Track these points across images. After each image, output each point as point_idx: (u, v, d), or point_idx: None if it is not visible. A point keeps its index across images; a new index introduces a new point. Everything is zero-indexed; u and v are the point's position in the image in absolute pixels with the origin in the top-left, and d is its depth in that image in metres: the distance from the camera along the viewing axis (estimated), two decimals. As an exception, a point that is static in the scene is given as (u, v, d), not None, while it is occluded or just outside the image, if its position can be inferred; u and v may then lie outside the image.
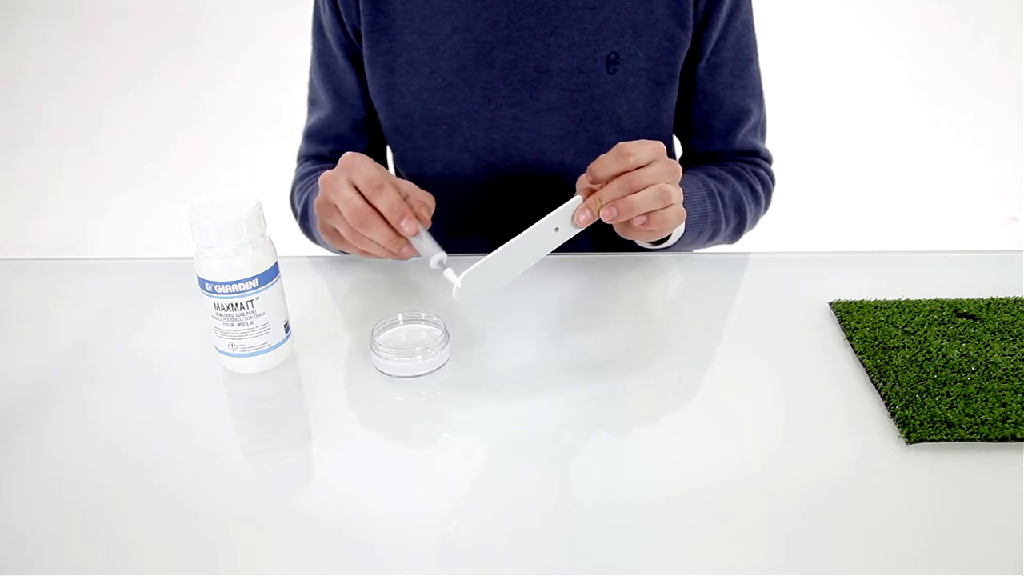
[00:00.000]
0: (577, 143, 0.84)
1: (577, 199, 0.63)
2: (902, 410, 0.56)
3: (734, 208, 0.84)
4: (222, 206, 0.59)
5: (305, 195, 0.86)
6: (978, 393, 0.57)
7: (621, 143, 0.63)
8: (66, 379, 0.64)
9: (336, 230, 0.68)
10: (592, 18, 0.78)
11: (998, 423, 0.54)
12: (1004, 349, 0.62)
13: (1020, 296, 0.70)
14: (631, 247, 0.82)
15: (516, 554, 0.46)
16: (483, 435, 0.56)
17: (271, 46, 3.51)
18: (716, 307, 0.73)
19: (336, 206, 0.65)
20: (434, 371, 0.63)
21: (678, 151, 0.95)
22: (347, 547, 0.47)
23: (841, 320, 0.67)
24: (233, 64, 3.57)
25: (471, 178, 0.86)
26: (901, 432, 0.54)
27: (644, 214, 0.64)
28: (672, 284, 0.79)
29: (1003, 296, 0.70)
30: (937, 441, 0.53)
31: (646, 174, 0.63)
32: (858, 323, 0.66)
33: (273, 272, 0.61)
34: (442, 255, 0.65)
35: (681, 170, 0.67)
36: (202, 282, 0.59)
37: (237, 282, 0.58)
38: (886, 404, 0.57)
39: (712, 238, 0.83)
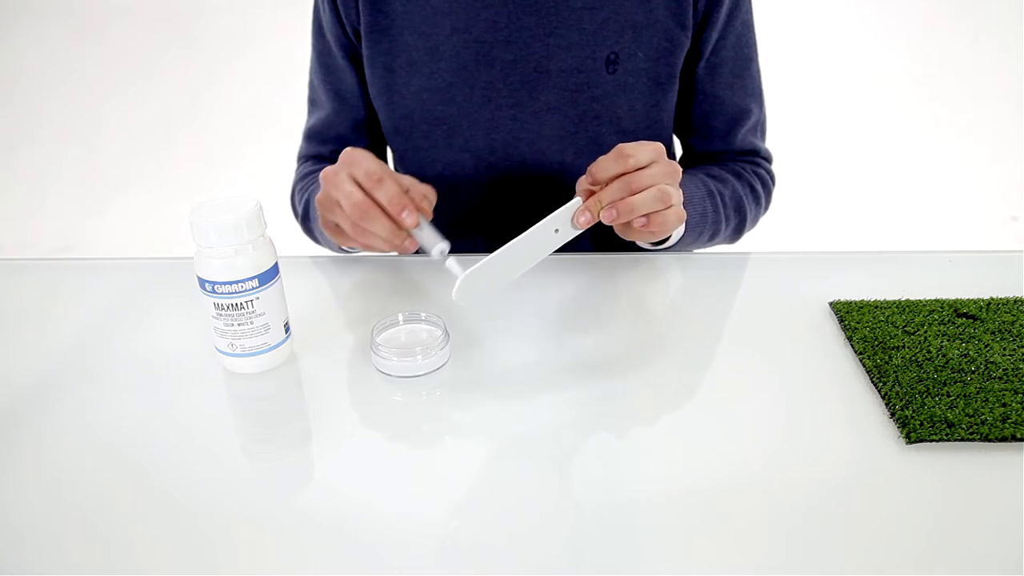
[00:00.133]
0: (577, 143, 0.84)
1: (577, 201, 0.63)
2: (902, 410, 0.56)
3: (734, 208, 0.84)
4: (222, 206, 0.59)
5: (306, 195, 0.86)
6: (978, 393, 0.57)
7: (621, 144, 0.63)
8: (66, 379, 0.64)
9: (338, 225, 0.68)
10: (592, 18, 0.78)
11: (998, 423, 0.54)
12: (1004, 349, 0.62)
13: (1020, 296, 0.70)
14: (631, 247, 0.82)
15: (516, 554, 0.46)
16: (483, 435, 0.56)
17: (271, 46, 3.51)
18: (716, 307, 0.73)
19: (337, 201, 0.65)
20: (434, 371, 0.63)
21: (678, 151, 0.95)
22: (347, 547, 0.47)
23: (841, 320, 0.67)
24: (233, 64, 3.57)
25: (471, 178, 0.86)
26: (901, 432, 0.54)
27: (644, 215, 0.64)
28: (672, 284, 0.79)
29: (1003, 296, 0.70)
30: (937, 441, 0.53)
31: (646, 175, 0.63)
32: (858, 323, 0.66)
33: (273, 272, 0.61)
34: (444, 245, 0.64)
35: (681, 171, 0.67)
36: (202, 282, 0.59)
37: (237, 282, 0.59)
38: (886, 404, 0.57)
39: (712, 238, 0.83)
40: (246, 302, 0.59)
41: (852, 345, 0.64)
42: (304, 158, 0.94)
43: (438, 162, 0.86)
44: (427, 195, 0.67)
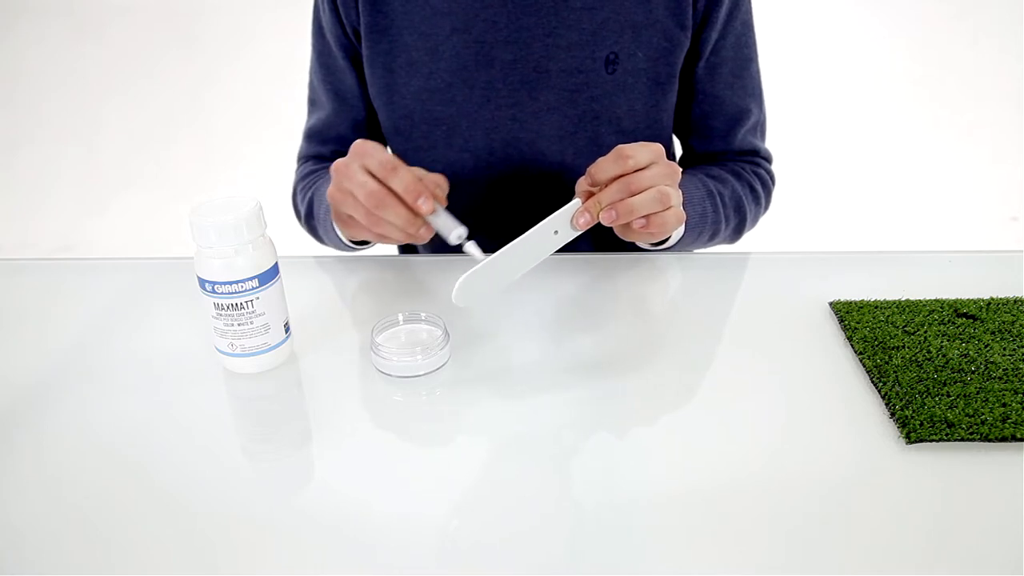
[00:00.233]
0: (576, 143, 0.84)
1: (576, 202, 0.63)
2: (902, 410, 0.56)
3: (734, 208, 0.84)
4: (222, 206, 0.59)
5: (309, 194, 0.86)
6: (978, 393, 0.57)
7: (620, 145, 0.63)
8: (66, 379, 0.64)
9: (351, 217, 0.68)
10: (591, 18, 0.78)
11: (998, 423, 0.54)
12: (1004, 349, 0.62)
13: (1020, 296, 0.70)
14: (631, 247, 0.82)
15: (516, 554, 0.46)
16: (483, 435, 0.56)
17: (271, 46, 3.51)
18: (716, 307, 0.73)
19: (351, 191, 0.65)
20: (434, 371, 0.63)
21: (678, 151, 0.95)
22: (347, 547, 0.47)
23: (841, 320, 0.67)
24: (233, 64, 3.57)
25: (471, 178, 0.86)
26: (901, 432, 0.54)
27: (643, 217, 0.64)
28: (672, 284, 0.79)
29: (1003, 296, 0.70)
30: (937, 441, 0.53)
31: (645, 176, 0.63)
32: (858, 323, 0.66)
33: (273, 272, 0.61)
34: (462, 230, 0.64)
35: (680, 172, 0.67)
36: (202, 282, 0.59)
37: (237, 282, 0.59)
38: (886, 404, 0.57)
39: (712, 238, 0.83)
40: (246, 302, 0.59)
41: (852, 345, 0.64)
42: (304, 158, 0.94)
43: (438, 162, 0.86)
44: (440, 184, 0.67)
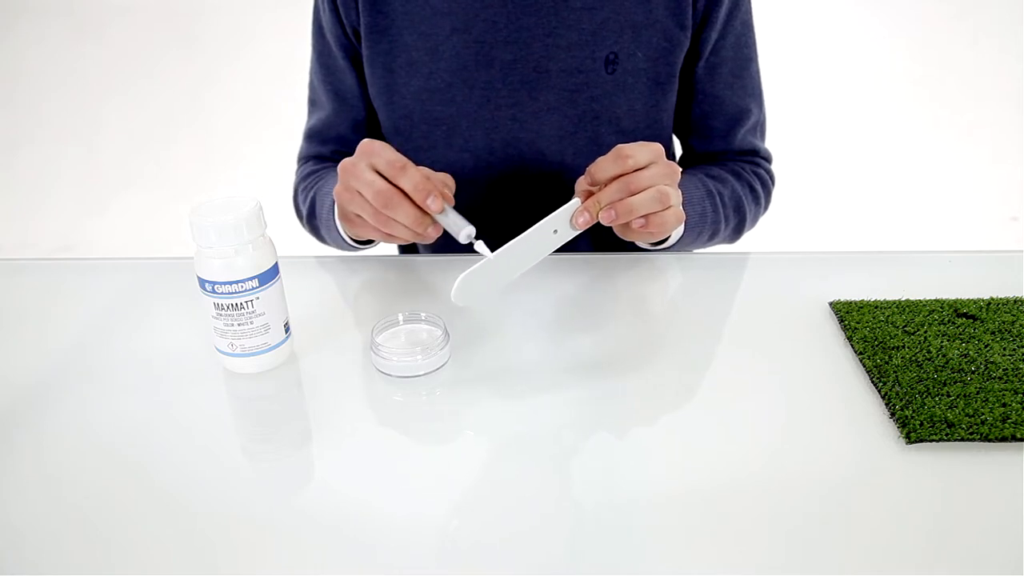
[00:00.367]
0: (576, 143, 0.84)
1: (576, 201, 0.63)
2: (902, 410, 0.56)
3: (733, 208, 0.84)
4: (222, 206, 0.59)
5: (311, 194, 0.86)
6: (978, 393, 0.57)
7: (619, 145, 0.63)
8: (66, 379, 0.64)
9: (359, 216, 0.68)
10: (591, 18, 0.78)
11: (998, 423, 0.54)
12: (1004, 349, 0.62)
13: (1020, 296, 0.70)
14: (630, 247, 0.82)
15: (516, 554, 0.46)
16: (483, 435, 0.56)
17: (271, 46, 3.51)
18: (716, 307, 0.73)
19: (359, 190, 0.65)
20: (434, 371, 0.63)
21: (678, 151, 0.95)
22: (347, 547, 0.47)
23: (841, 320, 0.67)
24: (233, 64, 3.57)
25: (471, 178, 0.86)
26: (901, 432, 0.54)
27: (643, 216, 0.64)
28: (672, 284, 0.79)
29: (1003, 296, 0.70)
30: (937, 441, 0.53)
31: (644, 176, 0.63)
32: (858, 323, 0.66)
33: (273, 272, 0.61)
34: (470, 229, 0.64)
35: (680, 172, 0.67)
36: (202, 282, 0.59)
37: (237, 282, 0.59)
38: (886, 404, 0.57)
39: (712, 238, 0.83)
40: (246, 302, 0.59)
41: (852, 345, 0.64)
42: (305, 158, 0.94)
43: (438, 162, 0.86)
44: (447, 183, 0.67)
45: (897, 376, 0.59)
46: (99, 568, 0.46)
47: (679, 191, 0.67)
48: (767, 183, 0.91)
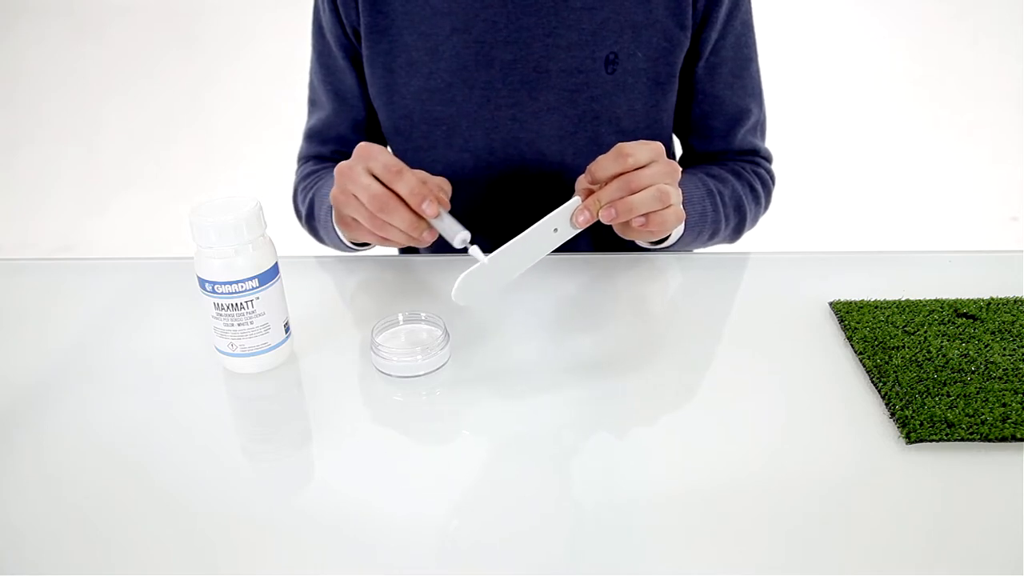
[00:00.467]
0: (576, 143, 0.84)
1: (576, 200, 0.63)
2: (902, 410, 0.56)
3: (734, 208, 0.84)
4: (222, 206, 0.59)
5: (310, 194, 0.86)
6: (978, 393, 0.57)
7: (620, 144, 0.63)
8: (66, 379, 0.64)
9: (355, 219, 0.68)
10: (591, 18, 0.78)
11: (998, 423, 0.54)
12: (1004, 349, 0.62)
13: (1020, 296, 0.70)
14: (630, 247, 0.82)
15: (516, 554, 0.46)
16: (483, 435, 0.56)
17: (271, 46, 3.51)
18: (716, 307, 0.73)
19: (355, 194, 0.65)
20: (434, 371, 0.63)
21: (678, 151, 0.95)
22: (347, 547, 0.47)
23: (841, 320, 0.67)
24: (233, 64, 3.57)
25: (471, 178, 0.86)
26: (901, 432, 0.54)
27: (643, 215, 0.64)
28: (672, 284, 0.79)
29: (1003, 296, 0.70)
30: (937, 441, 0.53)
31: (645, 175, 0.63)
32: (858, 323, 0.66)
33: (273, 272, 0.61)
34: (465, 234, 0.64)
35: (680, 171, 0.67)
36: (202, 282, 0.59)
37: (237, 282, 0.59)
38: (886, 404, 0.57)
39: (712, 238, 0.83)
40: (246, 302, 0.59)
41: (852, 345, 0.64)
42: (305, 158, 0.94)
43: (438, 162, 0.86)
44: (443, 187, 0.68)
45: (897, 376, 0.59)
46: (99, 568, 0.46)
47: (679, 190, 0.67)
48: (767, 183, 0.91)
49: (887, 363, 0.61)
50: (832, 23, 3.72)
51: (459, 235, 0.64)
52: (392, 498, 0.50)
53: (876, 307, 0.68)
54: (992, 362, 0.60)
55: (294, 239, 0.91)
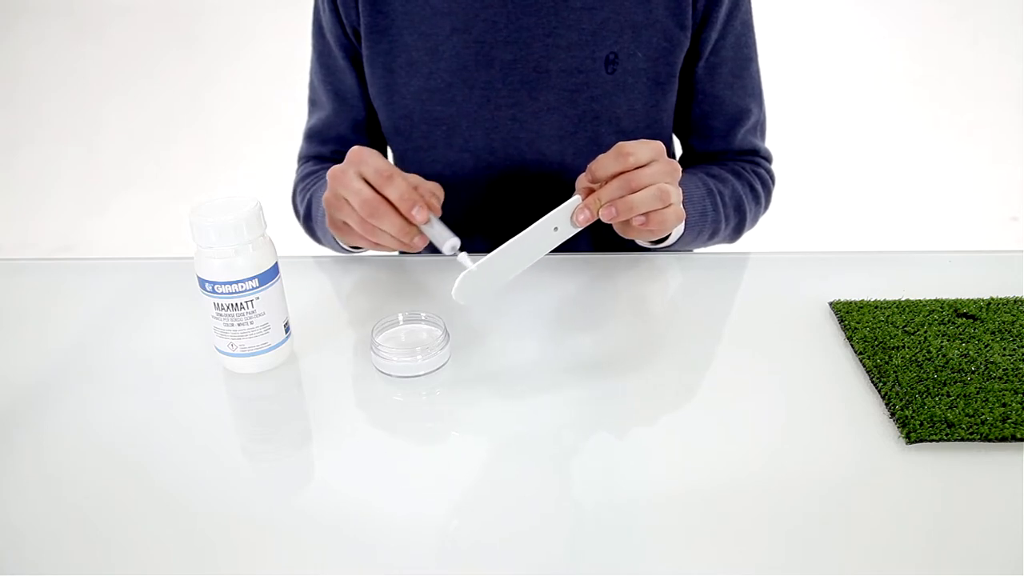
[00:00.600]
0: (576, 143, 0.84)
1: (576, 199, 0.63)
2: (902, 410, 0.56)
3: (734, 207, 0.84)
4: (222, 206, 0.59)
5: (308, 195, 0.86)
6: (978, 393, 0.57)
7: (620, 143, 0.63)
8: (66, 379, 0.64)
9: (346, 223, 0.68)
10: (591, 18, 0.78)
11: (998, 423, 0.54)
12: (1004, 349, 0.62)
13: (1020, 296, 0.70)
14: (630, 247, 0.82)
15: (516, 554, 0.46)
16: (483, 435, 0.56)
17: (271, 46, 3.51)
18: (716, 307, 0.73)
19: (346, 199, 0.65)
20: (434, 371, 0.63)
21: (678, 151, 0.95)
22: (347, 547, 0.47)
23: (841, 320, 0.67)
24: (233, 64, 3.57)
25: (471, 178, 0.86)
26: (901, 432, 0.54)
27: (643, 214, 0.64)
28: (672, 284, 0.79)
29: (1003, 296, 0.70)
30: (937, 441, 0.53)
31: (645, 174, 0.63)
32: (858, 323, 0.66)
33: (273, 272, 0.61)
34: (455, 241, 0.64)
35: (680, 170, 0.67)
36: (202, 282, 0.59)
37: (237, 282, 0.59)
38: (886, 404, 0.57)
39: (712, 237, 0.84)
40: (246, 302, 0.59)
41: (852, 345, 0.64)
42: (305, 158, 0.94)
43: (438, 162, 0.86)
44: (435, 192, 0.67)
45: (897, 376, 0.59)
46: (99, 568, 0.46)
47: (680, 189, 0.67)
48: (767, 183, 0.91)
49: (887, 363, 0.61)
50: (832, 23, 3.72)
51: (448, 242, 0.64)
52: (392, 498, 0.50)
53: (876, 307, 0.68)
54: (992, 362, 0.60)
55: (294, 239, 0.91)
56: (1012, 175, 2.60)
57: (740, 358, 0.64)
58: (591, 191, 0.64)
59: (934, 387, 0.58)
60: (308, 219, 0.86)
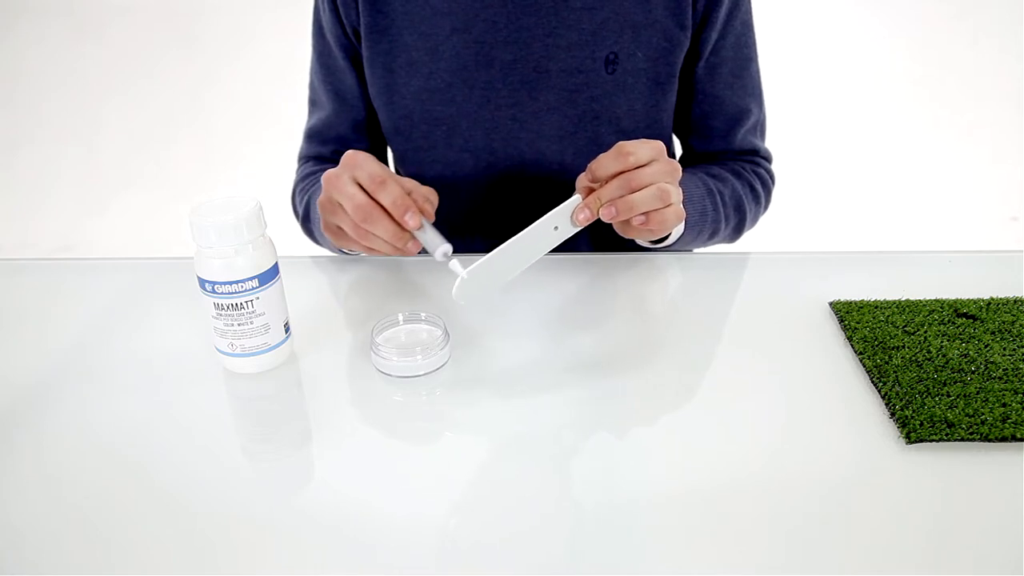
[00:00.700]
0: (576, 143, 0.84)
1: (576, 198, 0.63)
2: (902, 410, 0.56)
3: (734, 207, 0.84)
4: (222, 206, 0.59)
5: (307, 196, 0.86)
6: (978, 393, 0.57)
7: (621, 142, 0.63)
8: (66, 379, 0.64)
9: (340, 228, 0.68)
10: (591, 18, 0.78)
11: (998, 423, 0.54)
12: (1004, 349, 0.62)
13: (1020, 296, 0.70)
14: (630, 246, 0.82)
15: (516, 554, 0.46)
16: (483, 435, 0.56)
17: (271, 46, 3.51)
18: (716, 307, 0.73)
19: (339, 203, 0.65)
20: (434, 371, 0.63)
21: (678, 151, 0.95)
22: (347, 547, 0.47)
23: (841, 320, 0.67)
24: (233, 64, 3.57)
25: (471, 178, 0.86)
26: (901, 432, 0.54)
27: (643, 213, 0.64)
28: (672, 284, 0.79)
29: (1003, 296, 0.70)
30: (937, 441, 0.53)
31: (646, 173, 0.63)
32: (858, 323, 0.66)
33: (273, 272, 0.61)
34: (447, 247, 0.65)
35: (681, 170, 0.67)
36: (202, 282, 0.59)
37: (237, 282, 0.59)
38: (886, 404, 0.57)
39: (712, 237, 0.84)
40: (246, 302, 0.59)
41: (852, 345, 0.64)
42: (305, 158, 0.94)
43: (438, 162, 0.86)
44: (429, 197, 0.67)
45: (897, 376, 0.59)
46: (99, 568, 0.46)
47: (680, 189, 0.67)
48: (767, 182, 0.91)
49: (887, 363, 0.61)
50: (832, 23, 3.72)
51: (440, 248, 0.64)
52: (392, 498, 0.50)
53: (876, 307, 0.68)
54: (992, 362, 0.60)
55: (294, 239, 0.91)
56: (1012, 175, 2.60)
57: (740, 358, 0.64)
58: (591, 190, 0.64)
59: (934, 387, 0.58)
60: (307, 220, 0.86)
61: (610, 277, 0.78)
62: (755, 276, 0.79)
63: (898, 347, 0.63)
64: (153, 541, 0.47)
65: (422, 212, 0.65)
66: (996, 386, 0.58)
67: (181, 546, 0.47)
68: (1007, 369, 0.60)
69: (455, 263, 0.62)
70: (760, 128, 0.91)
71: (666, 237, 0.77)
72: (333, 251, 0.83)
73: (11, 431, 0.58)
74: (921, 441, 0.53)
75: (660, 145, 0.64)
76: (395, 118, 0.86)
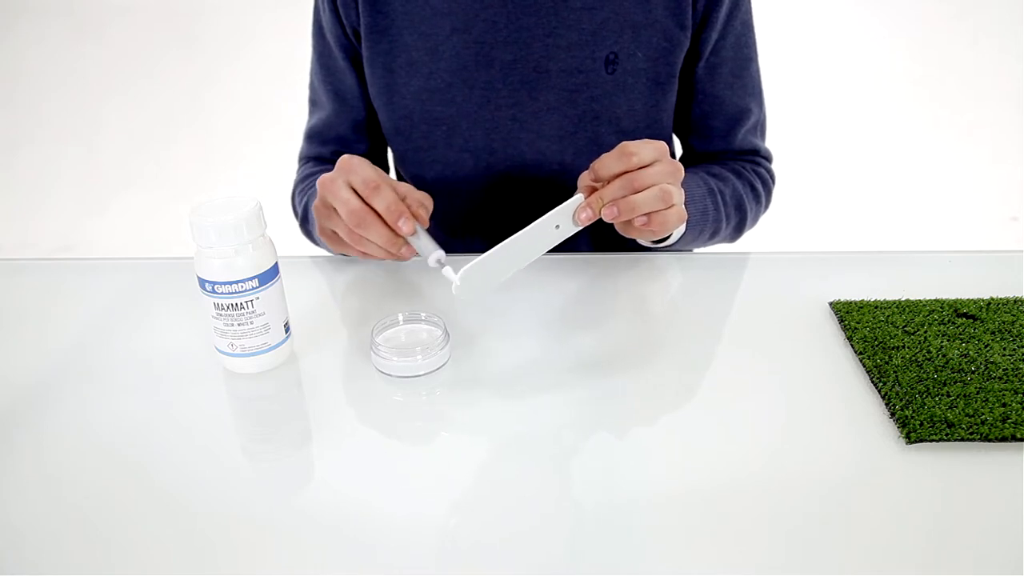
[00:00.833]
0: (576, 143, 0.84)
1: (579, 197, 0.63)
2: (902, 410, 0.56)
3: (735, 207, 0.84)
4: (222, 206, 0.59)
5: (305, 197, 0.86)
6: (978, 393, 0.57)
7: (624, 142, 0.63)
8: (66, 379, 0.64)
9: (335, 232, 0.69)
10: (591, 19, 0.78)
11: (998, 423, 0.54)
12: (1004, 349, 0.62)
13: (1020, 296, 0.70)
14: (631, 246, 0.82)
15: (516, 554, 0.46)
16: (483, 435, 0.56)
17: (271, 46, 3.51)
18: (716, 307, 0.73)
19: (334, 208, 0.66)
20: (434, 371, 0.63)
21: (678, 151, 0.95)
22: (347, 547, 0.47)
23: (841, 320, 0.67)
24: (233, 64, 3.57)
25: (471, 178, 0.86)
26: (901, 432, 0.54)
27: (645, 214, 0.64)
28: (672, 284, 0.79)
29: (1003, 296, 0.70)
30: (937, 441, 0.53)
31: (648, 174, 0.63)
32: (858, 323, 0.66)
33: (273, 272, 0.61)
34: (440, 253, 0.65)
35: (683, 170, 0.67)
36: (202, 282, 0.59)
37: (237, 282, 0.59)
38: (886, 404, 0.57)
39: (712, 237, 0.84)
40: (246, 302, 0.59)
41: (852, 345, 0.64)
42: (305, 159, 0.94)
43: (438, 162, 0.86)
44: (423, 202, 0.67)
45: (897, 376, 0.59)
46: (99, 568, 0.46)
47: (682, 190, 0.67)
48: (768, 182, 0.91)
49: (887, 363, 0.61)
50: (832, 23, 3.72)
51: (433, 254, 0.64)
52: (392, 498, 0.50)
53: (876, 307, 0.68)
54: (992, 362, 0.60)
55: (294, 239, 0.91)
56: (1012, 175, 2.60)
57: (740, 358, 0.64)
58: (594, 190, 0.64)
59: (934, 387, 0.58)
60: (305, 222, 0.86)
61: (610, 277, 0.78)
62: (755, 276, 0.79)
63: (898, 347, 0.63)
64: (153, 541, 0.47)
65: (416, 218, 0.65)
66: (996, 386, 0.58)
67: (181, 546, 0.47)
68: (1007, 369, 0.60)
69: (448, 270, 0.62)
70: (760, 128, 0.91)
71: (667, 237, 0.77)
72: (332, 253, 0.83)
73: (11, 431, 0.58)
74: (921, 441, 0.53)
75: (663, 146, 0.64)
76: (395, 118, 0.86)
